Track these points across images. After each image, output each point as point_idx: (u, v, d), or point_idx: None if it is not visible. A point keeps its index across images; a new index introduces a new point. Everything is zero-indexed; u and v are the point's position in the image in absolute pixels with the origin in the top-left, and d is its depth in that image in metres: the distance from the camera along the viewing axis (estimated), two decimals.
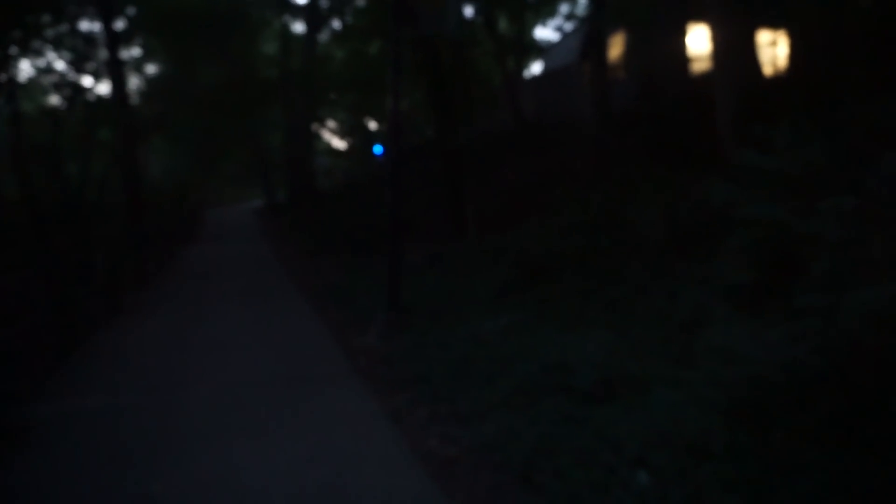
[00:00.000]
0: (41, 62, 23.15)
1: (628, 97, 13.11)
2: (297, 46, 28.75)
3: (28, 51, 21.69)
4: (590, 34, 13.73)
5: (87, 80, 24.50)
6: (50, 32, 21.63)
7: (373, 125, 32.38)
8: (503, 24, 18.53)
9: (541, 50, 21.26)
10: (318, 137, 38.05)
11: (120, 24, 22.47)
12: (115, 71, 20.55)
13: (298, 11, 26.91)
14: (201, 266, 13.69)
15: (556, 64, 19.22)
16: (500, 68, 17.73)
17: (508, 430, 3.60)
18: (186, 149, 36.39)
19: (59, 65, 23.21)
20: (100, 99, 25.05)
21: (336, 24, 25.47)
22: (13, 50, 19.17)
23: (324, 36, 27.52)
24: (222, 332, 7.03)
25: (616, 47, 15.42)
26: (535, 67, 27.97)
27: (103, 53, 22.09)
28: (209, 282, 11.23)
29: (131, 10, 23.87)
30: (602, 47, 12.41)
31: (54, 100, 25.02)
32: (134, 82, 29.58)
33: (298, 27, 29.62)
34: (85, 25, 22.49)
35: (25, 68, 29.26)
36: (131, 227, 16.06)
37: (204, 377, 5.26)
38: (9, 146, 19.31)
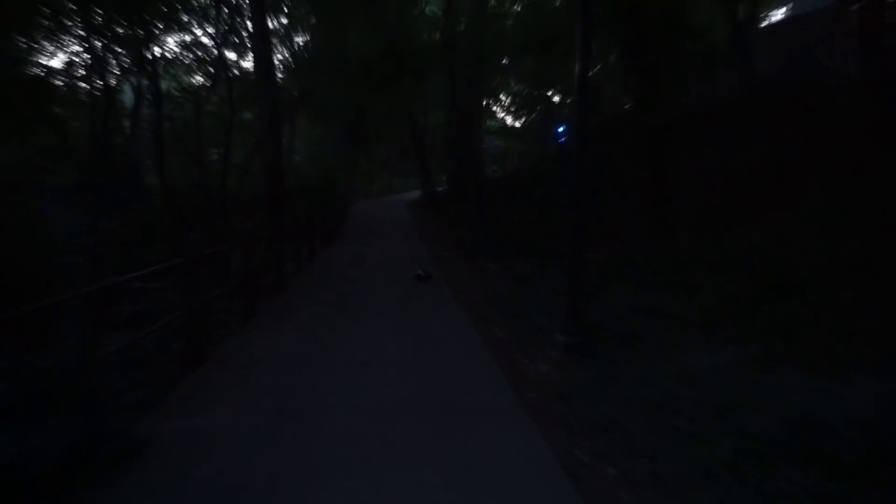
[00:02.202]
0: (186, 37, 26.09)
1: None
2: (464, 4, 29.37)
3: (172, 23, 24.49)
4: None
5: (230, 55, 27.16)
6: (194, 3, 24.28)
7: (555, 98, 32.27)
8: None
9: None
10: (487, 115, 38.74)
11: None
12: (261, 43, 22.42)
13: None
14: (346, 268, 14.44)
15: (805, 8, 17.71)
16: (727, 16, 16.69)
17: None
18: (334, 131, 38.94)
19: (204, 40, 26.01)
20: (244, 75, 27.56)
21: None
22: (157, 24, 21.73)
23: None
24: (364, 348, 7.29)
25: None
26: (775, 14, 26.05)
27: (248, 26, 24.32)
28: (353, 287, 11.78)
29: None
30: None
31: (198, 78, 28.08)
32: (279, 57, 32.20)
33: None
34: None
35: (170, 43, 32.92)
36: (271, 222, 17.43)
37: (339, 400, 5.45)
38: (151, 131, 21.86)
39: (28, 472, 3.68)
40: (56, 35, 23.48)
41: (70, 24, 22.55)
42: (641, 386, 5.04)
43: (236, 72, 27.77)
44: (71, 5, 21.16)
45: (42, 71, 24.80)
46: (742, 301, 6.83)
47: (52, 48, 24.63)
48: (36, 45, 24.45)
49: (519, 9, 27.63)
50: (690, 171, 12.70)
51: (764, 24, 21.95)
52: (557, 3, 24.16)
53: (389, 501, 3.70)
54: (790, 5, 22.01)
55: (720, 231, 9.82)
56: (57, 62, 29.51)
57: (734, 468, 3.61)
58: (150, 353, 7.02)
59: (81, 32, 23.11)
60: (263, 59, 22.47)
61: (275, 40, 29.53)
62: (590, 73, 6.59)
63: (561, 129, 29.00)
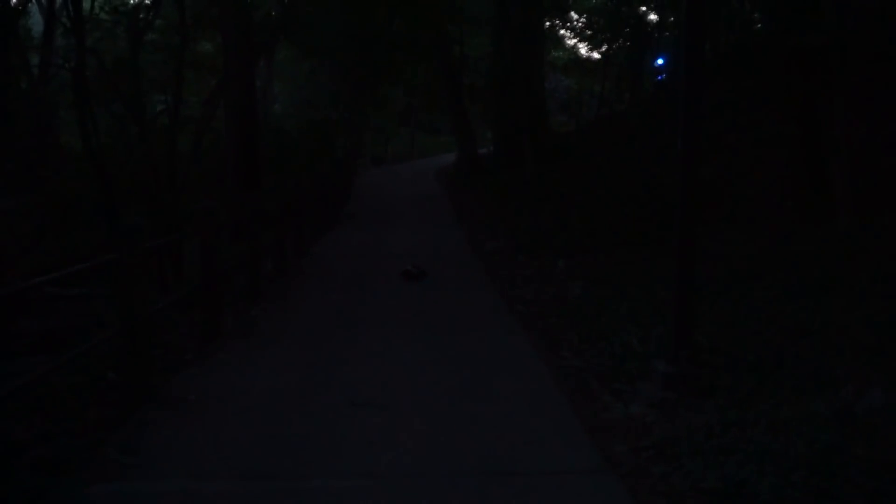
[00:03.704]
0: None
1: None
2: None
3: None
4: None
5: None
6: None
7: (652, 15, 32.01)
8: None
9: None
10: (553, 42, 38.50)
11: None
12: None
13: None
14: (349, 265, 14.54)
15: None
16: None
17: None
18: (330, 68, 38.91)
19: None
20: None
21: None
22: None
23: None
24: (375, 383, 7.27)
25: None
26: None
27: None
28: (360, 292, 11.86)
29: None
30: None
31: None
32: None
33: None
34: None
35: None
36: (241, 201, 17.56)
37: (339, 463, 5.46)
38: (69, 70, 22.11)
39: None
40: None
41: None
42: (781, 436, 4.99)
43: None
44: None
45: None
46: None
47: None
48: None
49: None
50: (859, 121, 12.48)
51: None
52: None
53: None
54: None
55: None
56: None
57: None
58: (69, 389, 7.13)
59: None
60: None
61: None
62: None
63: (660, 62, 28.81)
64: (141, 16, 26.18)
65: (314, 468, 5.34)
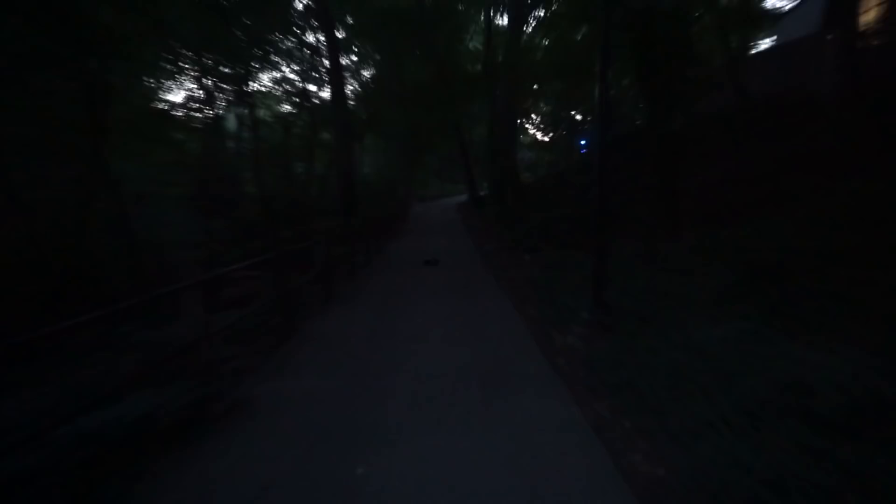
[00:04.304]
0: (276, 74, 26.74)
1: (886, 70, 11.16)
2: (501, 40, 29.33)
3: (266, 64, 25.16)
4: None
5: (311, 87, 27.72)
6: (282, 47, 24.87)
7: (578, 116, 31.84)
8: None
9: (773, 18, 18.98)
10: (521, 131, 38.48)
11: (339, 35, 24.98)
12: (335, 76, 22.74)
13: (502, 4, 27.37)
14: (404, 259, 14.54)
15: (790, 35, 17.09)
16: (723, 44, 16.25)
17: (729, 455, 3.23)
18: (394, 146, 39.25)
19: (291, 76, 26.68)
20: (322, 103, 28.13)
21: (540, 13, 25.44)
22: (254, 65, 22.30)
23: (527, 28, 27.69)
24: (421, 324, 7.35)
25: (870, 10, 13.24)
26: (764, 42, 25.26)
27: (324, 63, 24.80)
28: (411, 275, 11.87)
29: (348, 20, 26.53)
30: (853, 8, 10.73)
31: (286, 107, 28.72)
32: (350, 87, 32.66)
33: (502, 21, 30.23)
34: (310, 38, 25.36)
35: (264, 79, 33.64)
36: (344, 223, 17.66)
37: (402, 367, 5.53)
38: (249, 150, 22.37)
39: (158, 424, 3.84)
40: (176, 76, 24.55)
41: (187, 67, 23.52)
42: (654, 355, 4.99)
43: (316, 101, 28.30)
44: (187, 53, 22.07)
45: (166, 104, 25.85)
46: (742, 285, 6.68)
47: (173, 86, 25.73)
48: (162, 84, 25.55)
49: (547, 42, 27.44)
50: (695, 175, 12.41)
51: (753, 51, 21.30)
52: (579, 38, 23.87)
53: (448, 444, 3.75)
54: (775, 37, 21.30)
55: (721, 226, 9.61)
56: (178, 97, 30.61)
57: (731, 423, 3.56)
58: (251, 328, 7.21)
59: (195, 73, 24.02)
60: (337, 90, 22.81)
61: (346, 73, 29.91)
62: (608, 94, 6.53)
63: (583, 142, 28.58)
64: (289, 119, 26.44)
65: (383, 374, 5.38)
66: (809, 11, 16.06)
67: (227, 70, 22.28)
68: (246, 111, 21.96)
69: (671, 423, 3.78)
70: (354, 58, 31.98)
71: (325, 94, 29.24)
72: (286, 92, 27.95)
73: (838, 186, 8.13)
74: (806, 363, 4.05)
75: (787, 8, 19.59)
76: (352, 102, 30.72)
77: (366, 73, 35.10)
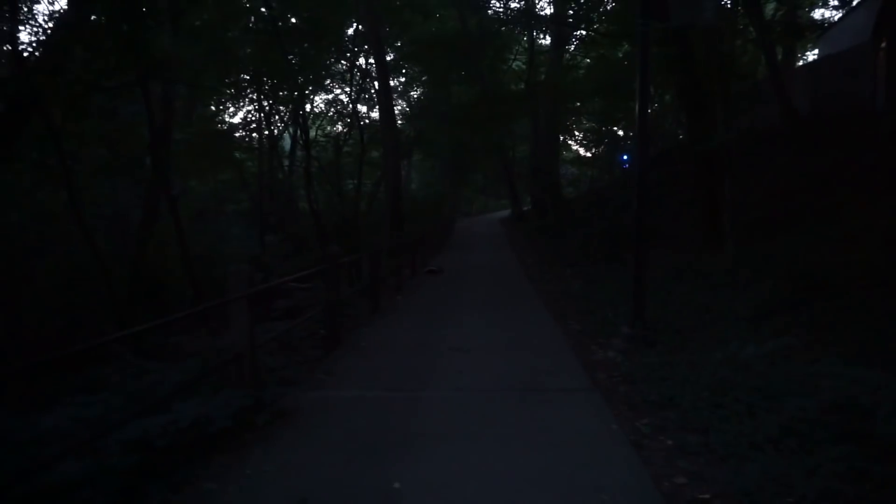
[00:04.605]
0: (329, 96, 27.36)
1: None
2: (543, 59, 29.18)
3: (320, 87, 25.67)
4: (885, 3, 11.41)
5: (362, 108, 28.24)
6: (335, 70, 25.37)
7: (620, 132, 31.38)
8: (770, 5, 16.33)
9: (819, 29, 18.16)
10: (564, 147, 38.14)
11: (388, 57, 25.32)
12: (384, 97, 22.99)
13: (545, 24, 27.22)
14: (450, 273, 14.47)
15: (838, 47, 16.37)
16: (766, 58, 15.68)
17: (777, 477, 2.99)
18: (440, 163, 39.45)
19: (342, 97, 27.23)
20: (371, 122, 28.55)
21: (582, 31, 25.27)
22: (309, 88, 22.84)
23: (569, 47, 27.48)
24: (464, 336, 7.21)
25: None
26: (810, 53, 24.40)
27: (374, 85, 25.22)
28: (455, 289, 11.78)
29: (398, 44, 26.91)
30: None
31: (338, 127, 29.24)
32: (399, 107, 33.12)
33: (544, 41, 30.13)
34: (361, 61, 25.80)
35: (317, 101, 34.48)
36: (392, 237, 17.72)
37: (444, 379, 5.41)
38: (302, 168, 22.81)
39: (208, 429, 3.83)
40: (236, 100, 25.49)
41: (246, 90, 24.33)
42: (695, 371, 4.74)
43: (366, 120, 28.81)
44: (246, 77, 22.86)
45: (226, 126, 26.85)
46: (786, 300, 6.34)
47: (233, 109, 26.80)
48: (222, 108, 26.63)
49: (588, 61, 27.16)
50: (738, 190, 11.97)
51: (800, 63, 20.55)
52: (620, 55, 23.51)
53: (487, 457, 3.61)
54: (820, 48, 20.43)
55: (763, 240, 9.22)
56: (236, 119, 31.70)
57: (778, 444, 3.32)
58: (299, 338, 7.22)
59: (253, 97, 24.80)
60: (386, 110, 23.04)
61: (395, 95, 30.32)
62: (648, 111, 6.34)
63: (625, 158, 28.11)
64: (341, 138, 26.87)
65: (426, 384, 5.27)
66: (858, 21, 15.34)
67: (283, 93, 22.84)
68: (299, 132, 22.44)
69: (715, 443, 3.55)
70: (402, 79, 32.31)
71: (375, 114, 29.68)
72: (338, 112, 28.48)
73: (886, 200, 7.68)
74: (859, 383, 3.77)
75: (836, 18, 18.78)
76: (400, 122, 31.01)
77: (413, 94, 35.48)
